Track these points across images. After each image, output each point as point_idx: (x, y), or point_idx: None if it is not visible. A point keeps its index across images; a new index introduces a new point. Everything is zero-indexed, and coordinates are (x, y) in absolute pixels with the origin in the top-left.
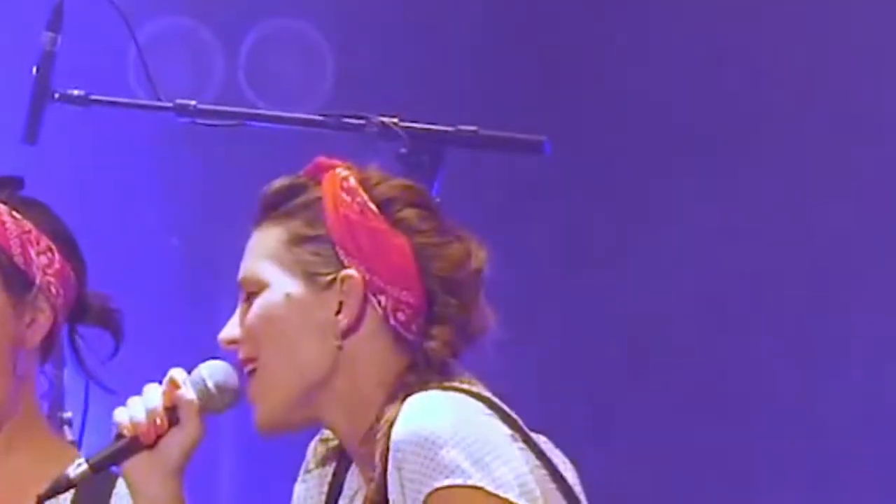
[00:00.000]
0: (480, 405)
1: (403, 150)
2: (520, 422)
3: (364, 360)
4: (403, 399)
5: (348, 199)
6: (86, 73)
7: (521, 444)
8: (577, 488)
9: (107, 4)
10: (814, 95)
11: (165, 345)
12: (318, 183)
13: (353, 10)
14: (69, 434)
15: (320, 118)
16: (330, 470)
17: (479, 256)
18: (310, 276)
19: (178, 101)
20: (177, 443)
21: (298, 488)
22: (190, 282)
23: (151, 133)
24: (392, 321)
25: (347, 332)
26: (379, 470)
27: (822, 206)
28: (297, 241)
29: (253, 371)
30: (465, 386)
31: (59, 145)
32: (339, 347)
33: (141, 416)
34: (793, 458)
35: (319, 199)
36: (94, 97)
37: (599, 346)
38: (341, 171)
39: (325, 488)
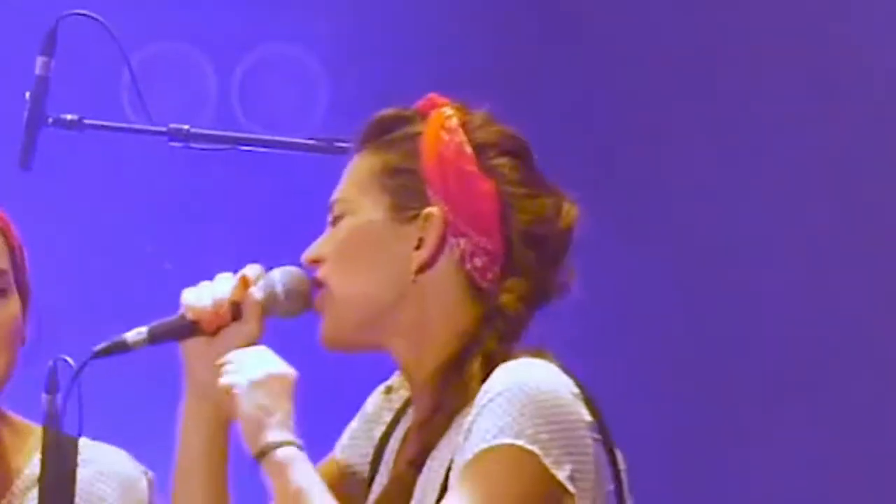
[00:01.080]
0: (570, 382)
1: None
2: (597, 407)
3: (434, 297)
4: (484, 356)
5: (447, 137)
6: (80, 97)
7: (597, 435)
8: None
9: (100, 29)
10: None
11: (159, 365)
12: (425, 118)
13: (346, 35)
14: None
15: (314, 142)
16: (389, 416)
17: (569, 215)
18: (395, 208)
19: (172, 125)
20: (234, 338)
21: (356, 425)
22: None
23: (145, 157)
24: (468, 265)
25: (422, 268)
26: (442, 411)
27: None
28: (391, 172)
29: (325, 289)
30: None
31: (53, 170)
32: (413, 281)
33: (206, 304)
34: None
35: (420, 133)
36: (87, 121)
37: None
38: (447, 110)
39: (379, 432)
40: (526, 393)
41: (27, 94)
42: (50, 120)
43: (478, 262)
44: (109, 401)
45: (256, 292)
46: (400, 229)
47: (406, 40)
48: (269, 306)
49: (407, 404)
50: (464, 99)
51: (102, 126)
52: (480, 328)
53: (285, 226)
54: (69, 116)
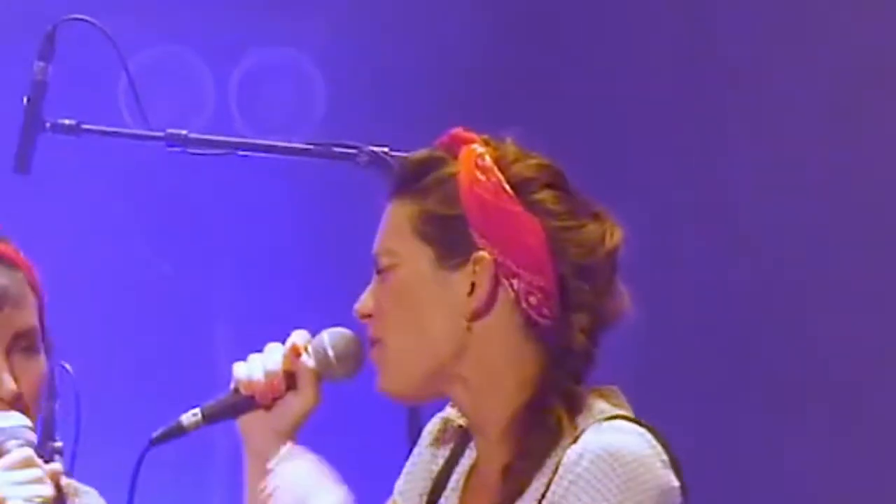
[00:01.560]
0: (658, 447)
1: None
2: (679, 467)
3: (494, 342)
4: (563, 397)
5: (483, 178)
6: (77, 102)
7: (681, 499)
8: None
9: (98, 33)
10: None
11: (158, 371)
12: (455, 157)
13: (344, 39)
14: (60, 463)
15: (311, 147)
16: (446, 450)
17: (615, 237)
18: (442, 256)
19: (170, 130)
20: (291, 408)
21: (412, 462)
22: (182, 309)
23: (143, 162)
24: (523, 304)
25: (478, 314)
26: (530, 457)
27: None
28: (431, 218)
29: (380, 344)
30: (625, 412)
31: (51, 175)
32: (469, 328)
33: (259, 377)
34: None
35: (454, 175)
36: (85, 126)
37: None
38: (477, 148)
39: (436, 466)
40: (623, 465)
41: (25, 99)
42: (48, 125)
43: (533, 300)
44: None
45: (308, 360)
46: (449, 277)
47: (403, 45)
48: (322, 372)
49: (464, 439)
50: (470, 104)
51: (100, 131)
52: (551, 369)
53: (284, 230)
54: (67, 121)
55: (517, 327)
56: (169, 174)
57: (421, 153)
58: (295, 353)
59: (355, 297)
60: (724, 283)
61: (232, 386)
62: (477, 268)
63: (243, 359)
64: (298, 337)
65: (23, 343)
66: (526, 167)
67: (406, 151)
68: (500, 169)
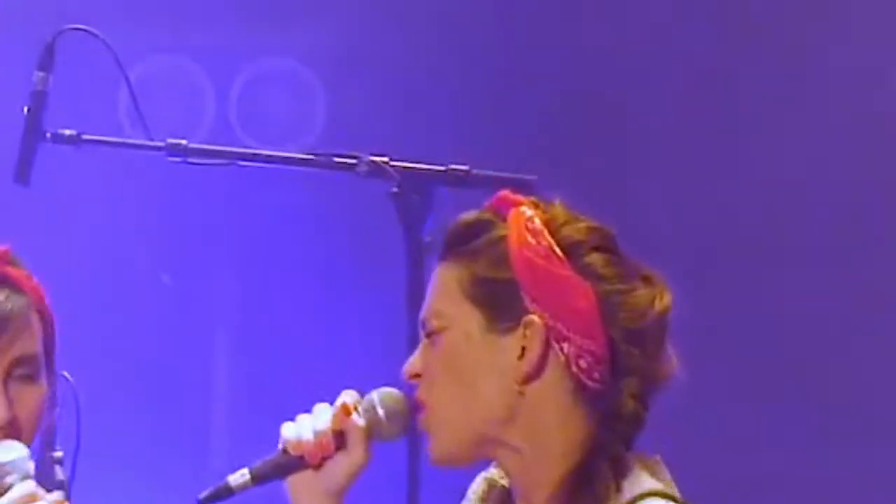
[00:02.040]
0: None
1: (395, 190)
2: None
3: (544, 406)
4: (612, 462)
5: (533, 241)
6: (77, 112)
7: None
8: None
9: (98, 44)
10: None
11: (158, 380)
12: (504, 219)
13: (344, 49)
14: (60, 473)
15: (312, 157)
16: None
17: (664, 301)
18: (492, 319)
19: (170, 140)
20: (341, 467)
21: None
22: (181, 319)
23: (143, 172)
24: (574, 368)
25: (528, 378)
26: None
27: None
28: (481, 282)
29: (428, 409)
30: (668, 489)
31: (51, 185)
32: (520, 393)
33: (308, 437)
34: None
35: (504, 238)
36: (85, 136)
37: None
38: (526, 210)
39: None
40: None
41: (25, 109)
42: (48, 135)
43: (583, 364)
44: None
45: (358, 419)
46: (500, 341)
47: (404, 56)
48: (372, 431)
49: (508, 501)
50: (470, 114)
51: (100, 141)
52: (600, 433)
53: (284, 240)
54: (67, 131)
55: (567, 391)
56: (169, 185)
57: (469, 216)
58: (345, 412)
59: (355, 306)
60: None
61: (280, 446)
62: (527, 332)
63: (242, 368)
64: (348, 396)
65: (22, 370)
66: (576, 230)
67: (407, 161)
68: (549, 232)
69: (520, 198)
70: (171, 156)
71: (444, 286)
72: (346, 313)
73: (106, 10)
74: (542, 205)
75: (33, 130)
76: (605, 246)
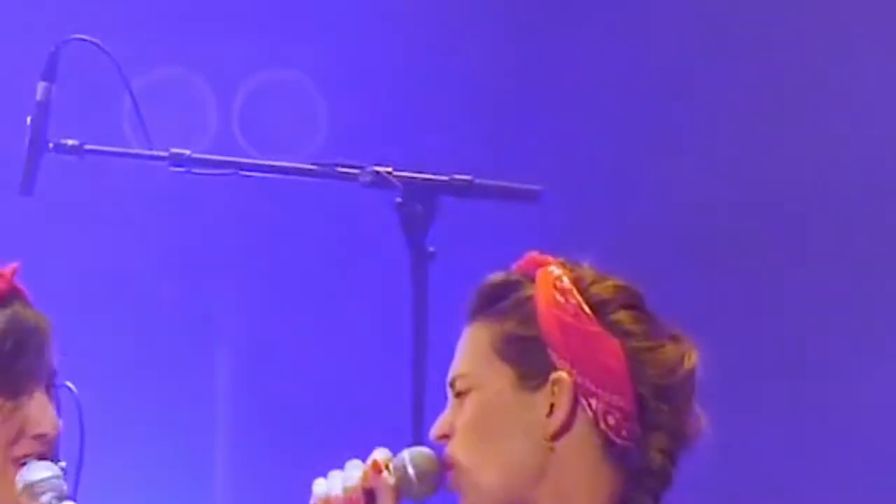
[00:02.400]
0: None
1: (398, 200)
2: None
3: (573, 463)
4: None
5: (562, 299)
6: (81, 122)
7: None
8: None
9: (101, 54)
10: None
11: (160, 390)
12: (532, 280)
13: (346, 60)
14: (64, 485)
15: (314, 167)
16: None
17: (692, 358)
18: (521, 377)
19: (173, 150)
20: None
21: None
22: (184, 329)
23: (146, 182)
24: (602, 425)
25: (557, 435)
26: None
27: None
28: (510, 340)
29: (459, 468)
30: None
31: (54, 195)
32: (551, 449)
33: (338, 492)
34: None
35: (532, 297)
36: (88, 147)
37: None
38: (555, 270)
39: None
40: None
41: (28, 120)
42: (51, 145)
43: (611, 420)
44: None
45: (388, 477)
46: (529, 398)
47: (406, 65)
48: (401, 490)
49: None
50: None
51: (103, 151)
52: (629, 489)
53: (286, 250)
54: (70, 142)
55: (595, 447)
56: (172, 195)
57: (496, 277)
58: (375, 469)
59: (358, 316)
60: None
61: (311, 502)
62: (556, 388)
63: (243, 378)
64: (379, 453)
65: (52, 382)
66: (604, 288)
67: (409, 171)
68: (578, 290)
69: (548, 258)
70: (174, 166)
71: (474, 346)
72: (350, 324)
73: (109, 20)
74: (569, 265)
75: (37, 141)
76: (633, 304)
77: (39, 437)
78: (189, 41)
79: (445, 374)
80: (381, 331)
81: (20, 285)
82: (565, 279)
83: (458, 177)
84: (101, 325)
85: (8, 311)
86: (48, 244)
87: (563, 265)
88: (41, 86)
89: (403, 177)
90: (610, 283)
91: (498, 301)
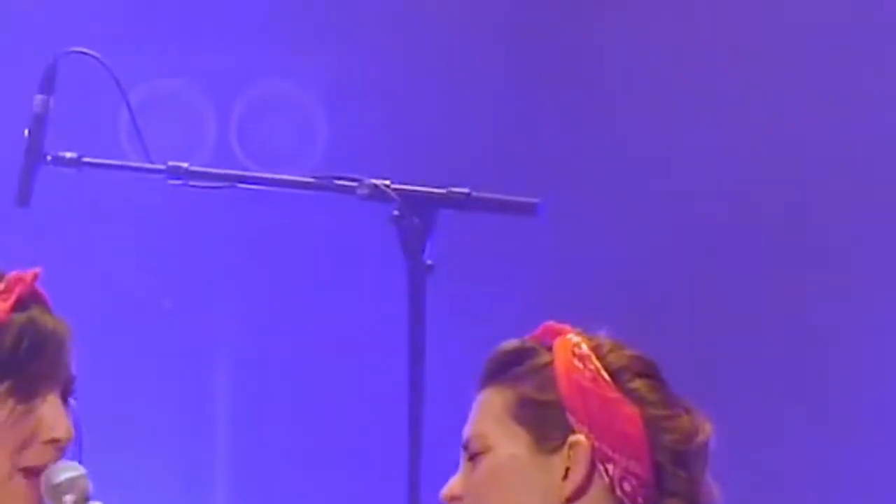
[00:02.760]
0: None
1: (396, 213)
2: None
3: None
4: None
5: (580, 365)
6: (78, 135)
7: None
8: None
9: (99, 67)
10: None
11: (158, 404)
12: (548, 348)
13: (344, 73)
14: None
15: (312, 180)
16: None
17: (706, 430)
18: (537, 440)
19: (171, 162)
20: None
21: None
22: (182, 343)
23: (144, 195)
24: (618, 491)
25: (572, 498)
26: None
27: None
28: (527, 404)
29: None
30: None
31: (52, 208)
32: None
33: None
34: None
35: (549, 363)
36: (86, 159)
37: None
38: (573, 338)
39: None
40: None
41: (25, 132)
42: (48, 157)
43: (628, 486)
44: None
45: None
46: (545, 461)
47: (404, 78)
48: None
49: None
50: (470, 137)
51: (101, 164)
52: None
53: (284, 263)
54: (68, 154)
55: None
56: (170, 208)
57: (511, 344)
58: None
59: (356, 329)
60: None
61: None
62: (572, 452)
63: (241, 389)
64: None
65: (69, 388)
66: (621, 357)
67: (407, 184)
68: (596, 357)
69: (566, 327)
70: (172, 179)
71: (489, 409)
72: (347, 336)
73: (107, 33)
74: (586, 334)
75: (34, 153)
76: (650, 373)
77: (52, 442)
78: (187, 54)
79: (442, 386)
80: (378, 343)
81: (41, 290)
82: (584, 346)
83: (455, 190)
84: (99, 336)
85: (25, 315)
86: (44, 256)
87: (579, 334)
88: (39, 98)
89: (401, 190)
90: (627, 351)
91: (513, 367)
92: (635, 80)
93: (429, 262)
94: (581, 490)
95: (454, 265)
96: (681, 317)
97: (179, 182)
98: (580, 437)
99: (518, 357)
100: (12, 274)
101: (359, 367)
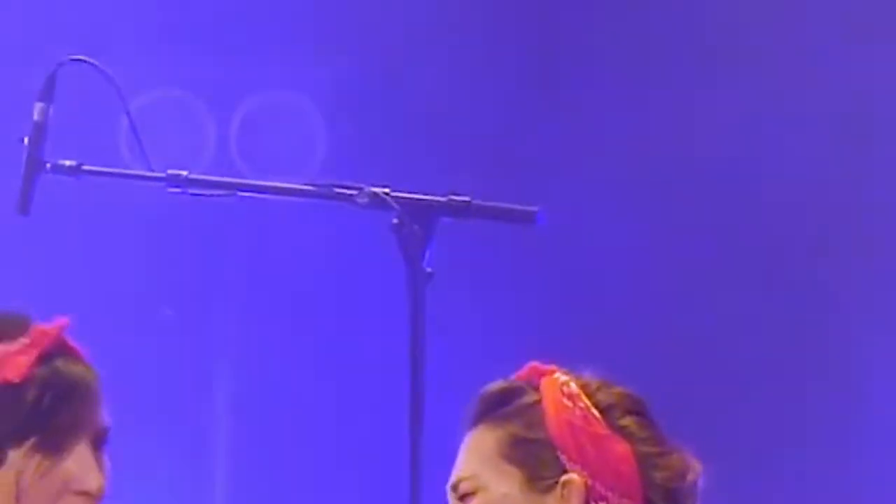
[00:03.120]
0: None
1: (395, 221)
2: None
3: None
4: None
5: (570, 404)
6: (78, 143)
7: None
8: None
9: (99, 75)
10: None
11: (158, 413)
12: (534, 387)
13: (344, 81)
14: None
15: (312, 188)
16: None
17: (696, 468)
18: (530, 479)
19: (171, 171)
20: None
21: None
22: (183, 352)
23: (144, 203)
24: None
25: None
26: None
27: None
28: (517, 443)
29: None
30: None
31: (51, 216)
32: None
33: None
34: None
35: (538, 402)
36: (85, 167)
37: None
38: (560, 377)
39: None
40: None
41: (25, 140)
42: (48, 166)
43: None
44: None
45: None
46: (538, 499)
47: (403, 87)
48: None
49: None
50: (470, 144)
51: (101, 172)
52: None
53: (284, 271)
54: (67, 162)
55: None
56: (170, 216)
57: (498, 385)
58: None
59: (356, 337)
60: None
61: None
62: (565, 491)
63: (241, 398)
64: None
65: (101, 440)
66: (610, 394)
67: (407, 192)
68: (585, 395)
69: (552, 367)
70: (172, 187)
71: (478, 449)
72: (347, 344)
73: (108, 42)
74: (573, 374)
75: (33, 161)
76: (640, 410)
77: (82, 494)
78: (187, 62)
79: (442, 395)
80: (379, 351)
81: (68, 340)
82: (572, 384)
83: (455, 198)
84: (98, 344)
85: (48, 368)
86: (44, 264)
87: (567, 373)
88: (39, 106)
89: (401, 198)
90: (615, 389)
91: (501, 406)
92: (638, 85)
93: (429, 269)
94: None
95: (454, 273)
96: (681, 325)
97: (179, 190)
98: (573, 476)
99: (506, 397)
100: (38, 327)
101: (359, 376)
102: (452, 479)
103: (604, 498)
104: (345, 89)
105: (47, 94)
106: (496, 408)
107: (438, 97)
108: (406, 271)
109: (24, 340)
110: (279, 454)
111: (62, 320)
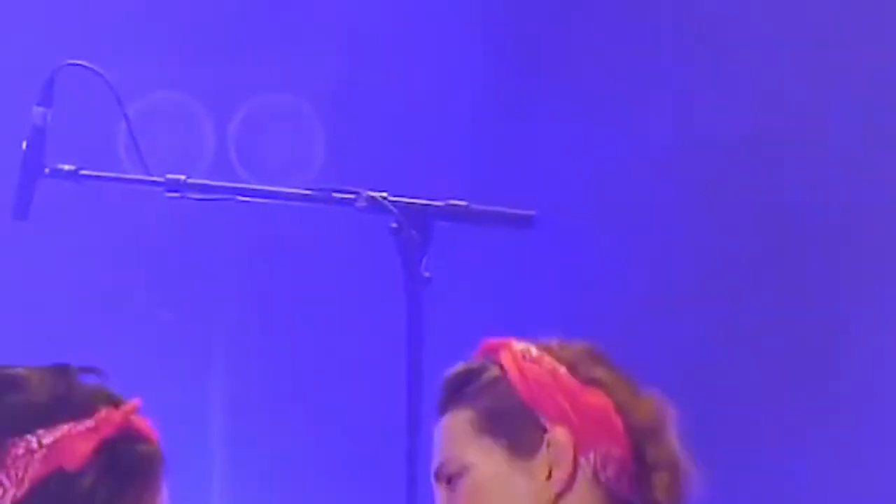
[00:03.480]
0: None
1: (394, 225)
2: None
3: None
4: None
5: (535, 366)
6: (77, 147)
7: None
8: None
9: (98, 79)
10: None
11: (156, 417)
12: (495, 362)
13: (343, 86)
14: None
15: (310, 192)
16: None
17: (667, 405)
18: (512, 447)
19: (169, 175)
20: None
21: None
22: (182, 356)
23: (142, 208)
24: (603, 477)
25: (561, 495)
26: None
27: None
28: (492, 416)
29: None
30: None
31: (50, 220)
32: None
33: None
34: None
35: (502, 375)
36: (84, 172)
37: None
38: (517, 345)
39: None
40: None
41: (24, 144)
42: (47, 170)
43: (611, 471)
44: None
45: None
46: (525, 466)
47: (402, 91)
48: None
49: None
50: (469, 149)
51: (99, 177)
52: None
53: (282, 276)
54: (66, 167)
55: (599, 500)
56: (168, 220)
57: (458, 367)
58: None
59: (354, 342)
60: None
61: None
62: (551, 449)
63: (239, 401)
64: None
65: None
66: (573, 351)
67: (405, 196)
68: (549, 356)
69: (506, 340)
70: (170, 191)
71: (454, 431)
72: (345, 348)
73: (106, 46)
74: (527, 340)
75: (32, 165)
76: (604, 360)
77: None
78: (185, 66)
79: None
80: (376, 356)
81: (136, 422)
82: (532, 349)
83: (453, 202)
84: (97, 348)
85: (107, 456)
86: (42, 269)
87: (521, 340)
88: (37, 110)
89: (399, 202)
90: (576, 345)
91: (465, 387)
92: (637, 88)
93: (426, 273)
94: (567, 486)
95: (452, 277)
96: (680, 328)
97: (178, 195)
98: (557, 433)
99: (468, 377)
100: (104, 411)
101: (357, 380)
102: (434, 466)
103: (590, 448)
104: (343, 93)
105: (46, 99)
106: (461, 389)
107: (437, 101)
108: (404, 275)
109: (88, 423)
110: (277, 459)
111: (132, 404)
